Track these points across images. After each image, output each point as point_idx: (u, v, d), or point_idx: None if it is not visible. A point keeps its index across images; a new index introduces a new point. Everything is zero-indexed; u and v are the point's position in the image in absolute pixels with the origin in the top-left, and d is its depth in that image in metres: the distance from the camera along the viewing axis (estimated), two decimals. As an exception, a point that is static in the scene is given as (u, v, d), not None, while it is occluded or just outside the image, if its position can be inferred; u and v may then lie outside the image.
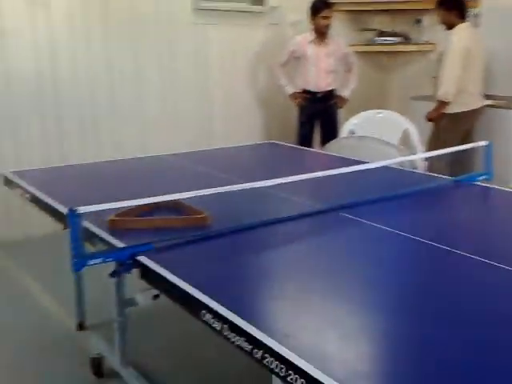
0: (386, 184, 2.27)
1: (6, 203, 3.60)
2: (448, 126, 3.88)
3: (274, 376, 1.06)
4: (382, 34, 5.16)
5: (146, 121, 4.20)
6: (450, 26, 3.87)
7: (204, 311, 1.23)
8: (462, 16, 3.85)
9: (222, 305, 1.21)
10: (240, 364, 1.53)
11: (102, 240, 1.63)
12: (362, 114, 3.78)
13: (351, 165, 2.12)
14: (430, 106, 3.97)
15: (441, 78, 3.82)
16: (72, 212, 1.46)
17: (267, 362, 1.06)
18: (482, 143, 2.32)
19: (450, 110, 3.85)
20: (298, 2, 4.56)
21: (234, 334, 1.15)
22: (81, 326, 2.54)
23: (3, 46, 3.59)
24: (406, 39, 5.14)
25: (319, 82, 4.36)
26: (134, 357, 2.11)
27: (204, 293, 1.27)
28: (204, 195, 1.69)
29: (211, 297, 1.25)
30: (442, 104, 3.84)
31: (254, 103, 4.75)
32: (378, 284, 1.37)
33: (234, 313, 1.17)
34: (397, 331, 1.15)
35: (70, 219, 1.46)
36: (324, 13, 4.21)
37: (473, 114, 3.94)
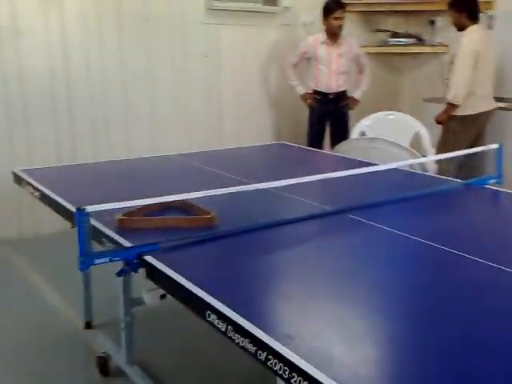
0: (395, 186, 2.26)
1: (17, 201, 3.62)
2: (457, 128, 3.85)
3: (278, 378, 1.05)
4: (395, 35, 5.13)
5: (158, 121, 4.21)
6: (461, 28, 3.84)
7: (209, 312, 1.23)
8: (473, 18, 3.81)
9: (227, 306, 1.20)
10: (246, 365, 1.52)
11: (110, 239, 1.63)
12: (373, 115, 3.76)
13: (361, 167, 2.10)
14: (443, 108, 3.94)
15: (451, 80, 3.79)
16: (80, 211, 1.47)
17: (271, 363, 1.06)
18: (493, 146, 2.29)
19: (458, 112, 3.82)
20: (311, 3, 4.56)
21: (238, 336, 1.14)
22: (88, 325, 2.55)
23: (17, 45, 3.62)
24: (420, 40, 5.11)
25: (330, 83, 4.35)
26: (139, 356, 2.12)
27: (209, 293, 1.26)
28: (212, 195, 1.69)
29: (216, 297, 1.24)
30: (451, 106, 3.82)
31: (265, 104, 4.75)
32: (385, 287, 1.36)
33: (239, 314, 1.17)
34: (403, 335, 1.14)
35: (77, 218, 1.46)
36: (337, 13, 4.19)
37: (482, 117, 3.90)
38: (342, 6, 4.23)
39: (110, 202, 1.55)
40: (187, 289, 1.31)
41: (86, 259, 1.46)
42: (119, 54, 3.99)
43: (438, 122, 3.91)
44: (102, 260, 1.49)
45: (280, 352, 1.04)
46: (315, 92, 4.39)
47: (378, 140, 3.12)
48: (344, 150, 3.10)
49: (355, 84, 4.48)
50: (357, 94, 4.44)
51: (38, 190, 2.17)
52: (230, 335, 1.17)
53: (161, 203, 1.76)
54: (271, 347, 1.06)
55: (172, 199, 1.69)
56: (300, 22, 4.73)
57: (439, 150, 3.65)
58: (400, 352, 1.09)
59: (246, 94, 4.61)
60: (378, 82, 4.87)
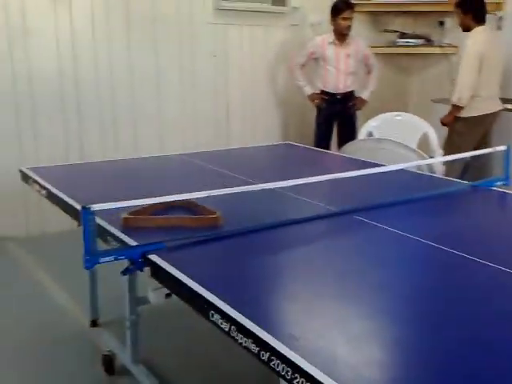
0: (402, 188, 2.24)
1: (24, 199, 3.64)
2: (462, 130, 3.83)
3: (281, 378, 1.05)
4: (403, 35, 5.11)
5: (165, 121, 4.22)
6: (466, 29, 3.82)
7: (212, 311, 1.23)
8: (479, 19, 3.78)
9: (230, 305, 1.20)
10: (250, 365, 1.52)
11: (115, 238, 1.63)
12: (381, 116, 3.74)
13: (368, 167, 2.09)
14: (449, 109, 3.92)
15: (456, 81, 3.78)
16: (85, 209, 1.47)
17: (274, 364, 1.05)
18: (501, 148, 2.27)
19: (463, 114, 3.80)
20: (319, 3, 4.55)
21: (241, 336, 1.14)
22: (94, 323, 2.56)
23: (26, 45, 3.64)
24: (428, 41, 5.09)
25: (338, 84, 4.34)
26: (144, 355, 2.12)
27: (213, 293, 1.26)
28: (217, 195, 1.69)
29: (220, 297, 1.24)
30: (456, 108, 3.80)
31: (273, 104, 4.74)
32: (392, 288, 1.35)
33: (244, 314, 1.17)
34: (409, 337, 1.13)
35: (83, 216, 1.47)
36: (345, 14, 4.18)
37: (487, 119, 3.88)
38: (351, 7, 4.22)
39: (116, 201, 1.55)
40: (191, 288, 1.31)
41: (91, 258, 1.46)
42: (127, 55, 4.00)
43: (444, 124, 3.91)
44: (107, 258, 1.49)
45: (282, 353, 1.03)
46: (323, 92, 4.38)
47: (385, 141, 3.10)
48: (351, 150, 3.09)
49: (363, 84, 4.47)
50: (364, 95, 4.43)
51: (44, 188, 2.17)
52: (233, 335, 1.16)
53: (166, 202, 1.76)
54: (274, 348, 1.05)
55: (177, 199, 1.69)
56: (308, 23, 4.72)
57: (445, 152, 3.64)
58: (406, 354, 1.08)
59: (254, 94, 4.61)
60: (386, 83, 4.86)
